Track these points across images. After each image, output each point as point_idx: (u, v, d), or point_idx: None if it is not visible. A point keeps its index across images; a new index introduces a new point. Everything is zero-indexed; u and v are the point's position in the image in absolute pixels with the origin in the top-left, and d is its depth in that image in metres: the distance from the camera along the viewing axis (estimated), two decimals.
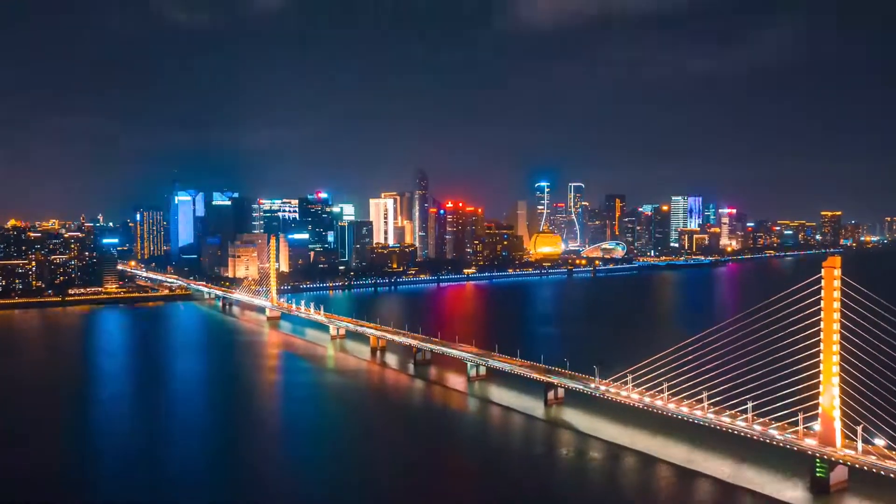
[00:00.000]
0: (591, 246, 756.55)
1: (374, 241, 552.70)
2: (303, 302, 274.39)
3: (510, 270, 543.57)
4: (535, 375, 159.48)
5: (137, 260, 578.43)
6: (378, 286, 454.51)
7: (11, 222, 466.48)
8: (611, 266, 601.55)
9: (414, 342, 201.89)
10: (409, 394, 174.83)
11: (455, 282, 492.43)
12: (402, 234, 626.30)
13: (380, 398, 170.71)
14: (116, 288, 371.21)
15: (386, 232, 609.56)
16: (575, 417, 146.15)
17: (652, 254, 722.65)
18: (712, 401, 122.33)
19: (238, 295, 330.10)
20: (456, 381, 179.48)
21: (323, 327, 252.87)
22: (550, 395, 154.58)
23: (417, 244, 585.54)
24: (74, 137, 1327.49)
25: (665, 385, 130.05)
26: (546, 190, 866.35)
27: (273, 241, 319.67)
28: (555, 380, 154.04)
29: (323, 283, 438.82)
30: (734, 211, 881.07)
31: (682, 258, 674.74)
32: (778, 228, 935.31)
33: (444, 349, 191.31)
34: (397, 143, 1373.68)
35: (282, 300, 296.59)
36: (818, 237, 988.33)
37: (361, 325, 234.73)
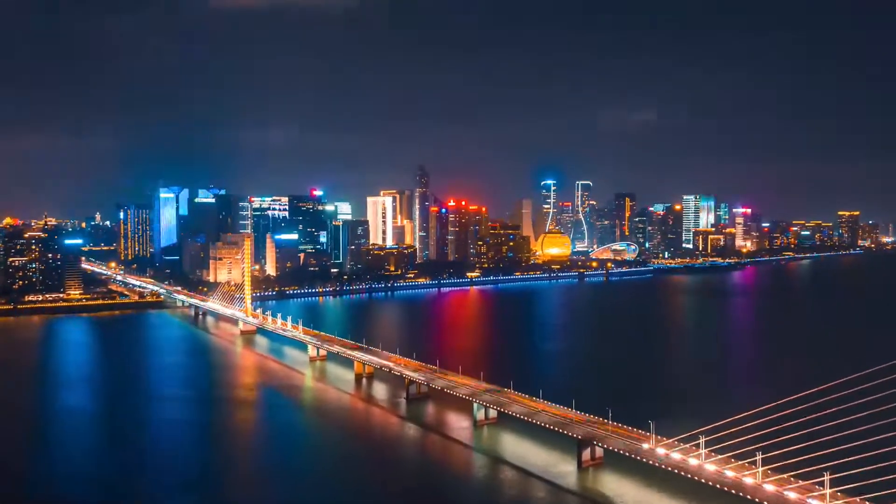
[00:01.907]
0: (601, 247, 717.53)
1: (371, 242, 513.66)
2: (279, 315, 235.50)
3: (517, 274, 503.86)
4: (565, 427, 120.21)
5: (120, 261, 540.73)
6: (373, 291, 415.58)
7: (7, 221, 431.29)
8: (624, 269, 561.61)
9: (407, 372, 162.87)
10: (397, 445, 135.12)
11: (457, 286, 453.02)
12: (401, 234, 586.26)
13: (359, 450, 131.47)
14: (80, 294, 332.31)
15: (384, 232, 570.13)
16: (620, 489, 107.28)
17: (666, 255, 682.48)
18: (841, 487, 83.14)
19: (211, 304, 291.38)
20: (458, 425, 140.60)
21: (302, 345, 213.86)
22: (586, 454, 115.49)
23: (417, 245, 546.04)
24: (67, 134, 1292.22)
25: (759, 455, 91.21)
26: (552, 188, 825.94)
27: (248, 242, 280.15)
28: (593, 435, 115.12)
29: (312, 287, 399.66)
30: (749, 211, 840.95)
31: (699, 261, 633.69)
32: (795, 229, 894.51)
33: (443, 383, 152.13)
34: (397, 139, 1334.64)
35: (258, 310, 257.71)
36: (835, 237, 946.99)
37: (344, 347, 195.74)
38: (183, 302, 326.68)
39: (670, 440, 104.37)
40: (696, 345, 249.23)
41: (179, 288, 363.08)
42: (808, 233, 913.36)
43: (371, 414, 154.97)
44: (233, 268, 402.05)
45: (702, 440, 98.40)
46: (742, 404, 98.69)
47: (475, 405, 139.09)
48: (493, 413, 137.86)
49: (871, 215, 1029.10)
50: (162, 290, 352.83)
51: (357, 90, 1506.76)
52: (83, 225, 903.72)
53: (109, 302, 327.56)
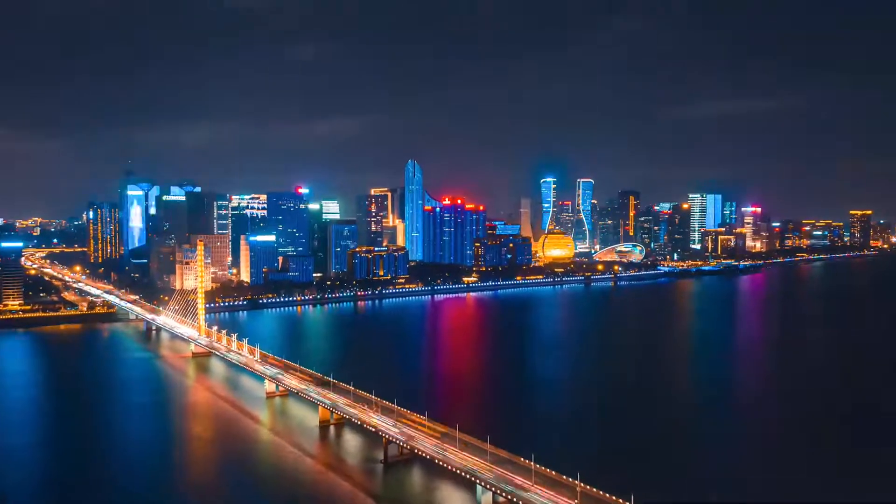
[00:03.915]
0: (605, 248, 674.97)
1: (359, 244, 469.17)
2: (234, 336, 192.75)
3: (518, 278, 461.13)
4: None
5: (89, 264, 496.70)
6: (359, 299, 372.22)
7: None
8: (633, 273, 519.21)
9: (384, 426, 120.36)
10: None
11: (452, 293, 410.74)
12: (393, 235, 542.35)
13: None
14: (19, 305, 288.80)
15: (373, 233, 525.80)
16: None
17: (675, 257, 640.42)
18: None
19: (163, 318, 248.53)
20: None
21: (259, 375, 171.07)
22: None
23: (410, 247, 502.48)
24: (57, 132, 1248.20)
25: None
26: (552, 186, 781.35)
27: (200, 245, 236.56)
28: None
29: (291, 295, 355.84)
30: (759, 210, 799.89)
31: (712, 263, 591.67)
32: (806, 228, 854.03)
33: (433, 446, 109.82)
34: (391, 134, 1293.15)
35: (213, 328, 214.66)
36: (846, 238, 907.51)
37: (307, 383, 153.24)
38: (137, 315, 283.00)
39: None
40: (768, 388, 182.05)
41: (136, 297, 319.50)
42: (819, 232, 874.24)
43: (334, 488, 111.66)
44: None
45: None
46: None
47: (479, 487, 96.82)
48: (502, 499, 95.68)
49: (883, 214, 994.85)
50: (115, 300, 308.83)
51: (351, 84, 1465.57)
52: (64, 224, 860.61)
53: (52, 315, 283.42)
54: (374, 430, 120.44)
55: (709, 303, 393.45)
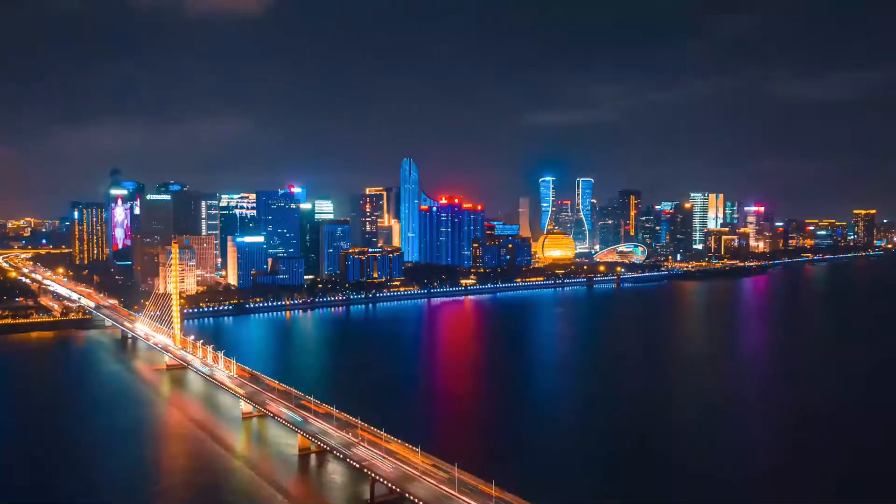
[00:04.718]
0: (605, 248, 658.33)
1: (353, 245, 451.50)
2: (210, 347, 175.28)
3: (518, 280, 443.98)
4: None
5: (75, 266, 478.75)
6: (351, 304, 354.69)
7: None
8: (637, 274, 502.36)
9: (369, 463, 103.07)
10: None
11: (450, 296, 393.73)
12: (388, 235, 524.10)
13: None
14: None
15: (368, 233, 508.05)
16: None
17: (677, 258, 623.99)
18: None
19: (139, 325, 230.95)
20: None
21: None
22: None
23: (405, 248, 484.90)
24: (51, 131, 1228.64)
25: None
26: (551, 185, 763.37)
27: (175, 247, 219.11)
28: None
29: (280, 299, 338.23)
30: (762, 209, 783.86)
31: (717, 265, 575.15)
32: (811, 228, 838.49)
33: (427, 490, 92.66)
34: (386, 133, 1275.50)
35: (190, 337, 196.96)
36: (850, 238, 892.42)
37: (284, 404, 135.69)
38: (113, 322, 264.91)
39: None
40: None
41: (116, 302, 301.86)
42: (823, 232, 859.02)
43: None
44: (187, 275, 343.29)
45: None
46: None
47: None
48: None
49: (884, 214, 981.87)
50: (91, 306, 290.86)
51: (349, 82, 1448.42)
52: (56, 224, 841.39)
53: (22, 321, 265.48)
54: (358, 465, 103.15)
55: (718, 306, 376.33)
